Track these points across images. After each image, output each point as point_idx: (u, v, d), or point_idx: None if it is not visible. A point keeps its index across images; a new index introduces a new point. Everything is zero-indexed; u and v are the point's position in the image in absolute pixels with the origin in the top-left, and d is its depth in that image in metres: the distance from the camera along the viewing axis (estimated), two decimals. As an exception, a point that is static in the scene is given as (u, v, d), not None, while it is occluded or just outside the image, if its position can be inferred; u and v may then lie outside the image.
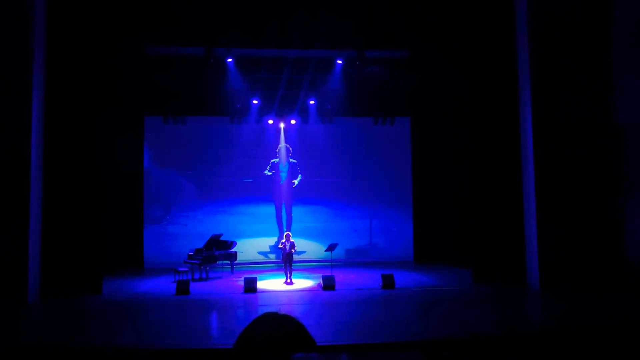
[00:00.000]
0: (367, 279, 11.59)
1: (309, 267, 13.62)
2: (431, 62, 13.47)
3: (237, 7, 10.70)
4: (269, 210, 15.36)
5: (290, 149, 15.31)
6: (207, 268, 12.17)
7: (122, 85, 13.27)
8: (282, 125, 15.27)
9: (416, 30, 11.46)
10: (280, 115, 15.07)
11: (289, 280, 11.15)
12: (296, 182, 15.22)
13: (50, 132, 9.83)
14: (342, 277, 11.77)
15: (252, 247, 14.84)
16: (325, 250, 11.88)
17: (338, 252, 12.93)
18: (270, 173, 15.17)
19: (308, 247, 14.74)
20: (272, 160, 15.26)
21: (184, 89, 14.00)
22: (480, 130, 10.85)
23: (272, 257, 14.82)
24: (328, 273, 11.12)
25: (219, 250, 12.53)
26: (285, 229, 14.73)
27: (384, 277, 10.47)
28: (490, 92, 10.80)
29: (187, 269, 11.78)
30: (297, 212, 15.38)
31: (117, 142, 13.44)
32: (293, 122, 15.25)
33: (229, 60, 13.37)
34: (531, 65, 10.13)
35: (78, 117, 9.99)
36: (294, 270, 11.64)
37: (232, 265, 12.86)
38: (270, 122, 15.19)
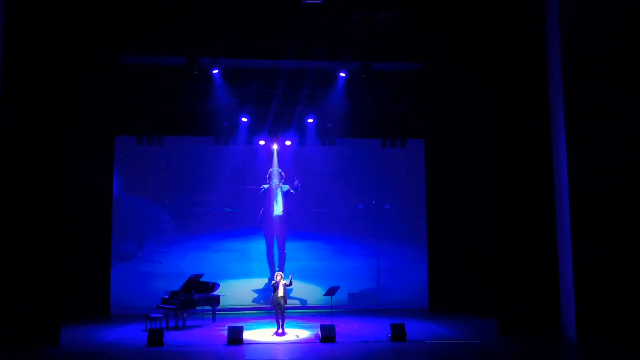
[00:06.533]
0: (374, 330, 11.54)
1: (304, 315, 13.49)
2: (449, 76, 13.55)
3: (224, 10, 10.80)
4: (259, 246, 15.25)
5: (283, 174, 15.29)
6: (185, 314, 12.05)
7: (90, 99, 13.31)
8: (275, 146, 15.28)
9: (431, 37, 11.58)
10: (274, 135, 15.09)
11: (280, 330, 11.05)
12: (286, 187, 15.10)
13: (3, 155, 9.80)
14: (344, 327, 11.69)
15: (238, 290, 14.68)
16: (325, 295, 11.81)
17: (339, 297, 12.80)
18: (267, 186, 15.08)
19: (304, 291, 14.58)
20: (263, 186, 15.21)
21: (162, 104, 14.05)
22: (506, 154, 10.89)
23: (263, 302, 14.66)
24: (327, 322, 11.03)
25: (199, 293, 12.42)
26: (277, 269, 14.60)
27: (393, 327, 10.43)
28: (516, 109, 10.87)
29: (161, 315, 11.71)
30: (292, 248, 15.26)
31: (82, 165, 13.40)
32: (288, 143, 15.27)
33: (215, 71, 13.45)
34: (564, 77, 10.15)
35: (36, 136, 10.00)
36: (287, 318, 11.52)
37: (214, 311, 12.73)
38: (262, 142, 15.21)
